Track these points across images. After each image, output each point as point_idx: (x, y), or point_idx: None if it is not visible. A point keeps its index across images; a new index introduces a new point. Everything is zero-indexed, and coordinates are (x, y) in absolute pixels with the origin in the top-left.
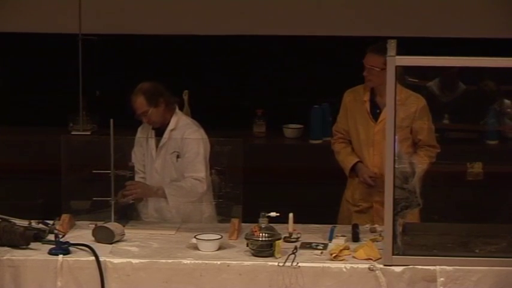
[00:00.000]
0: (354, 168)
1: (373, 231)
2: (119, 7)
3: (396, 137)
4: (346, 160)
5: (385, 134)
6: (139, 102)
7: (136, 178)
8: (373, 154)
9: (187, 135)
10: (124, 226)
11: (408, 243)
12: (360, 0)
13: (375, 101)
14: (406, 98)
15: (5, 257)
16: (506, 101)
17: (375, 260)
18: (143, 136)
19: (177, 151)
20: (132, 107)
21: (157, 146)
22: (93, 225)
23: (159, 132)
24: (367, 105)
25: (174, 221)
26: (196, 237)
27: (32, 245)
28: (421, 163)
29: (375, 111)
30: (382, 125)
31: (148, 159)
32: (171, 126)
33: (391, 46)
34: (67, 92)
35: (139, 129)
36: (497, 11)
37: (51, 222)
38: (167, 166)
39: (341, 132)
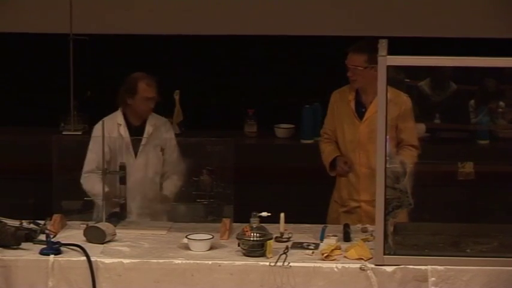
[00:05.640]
0: (334, 164)
1: (364, 231)
2: (110, 7)
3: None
4: (327, 157)
5: (370, 133)
6: (155, 88)
7: (92, 177)
8: (359, 153)
9: (166, 131)
10: (115, 226)
11: (399, 243)
12: (351, 0)
13: (360, 100)
14: (393, 97)
15: None
16: (500, 102)
17: (366, 260)
18: (110, 134)
19: (160, 145)
20: (139, 88)
21: (135, 145)
22: (85, 225)
23: (133, 132)
24: (352, 104)
25: (165, 221)
26: (188, 237)
27: (23, 245)
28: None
29: (360, 110)
30: (367, 123)
31: (128, 159)
32: (150, 123)
33: (382, 46)
34: (58, 92)
35: (98, 127)
36: (493, 11)
37: (42, 222)
38: (150, 160)
39: (328, 134)
